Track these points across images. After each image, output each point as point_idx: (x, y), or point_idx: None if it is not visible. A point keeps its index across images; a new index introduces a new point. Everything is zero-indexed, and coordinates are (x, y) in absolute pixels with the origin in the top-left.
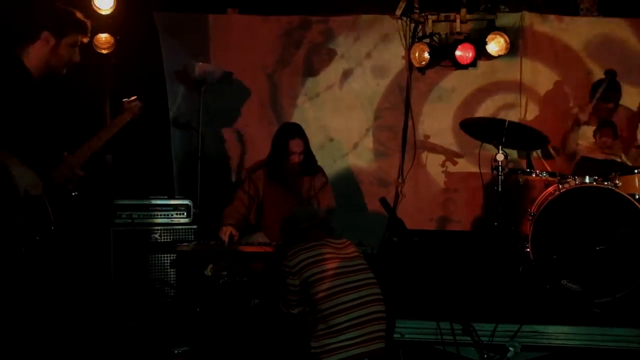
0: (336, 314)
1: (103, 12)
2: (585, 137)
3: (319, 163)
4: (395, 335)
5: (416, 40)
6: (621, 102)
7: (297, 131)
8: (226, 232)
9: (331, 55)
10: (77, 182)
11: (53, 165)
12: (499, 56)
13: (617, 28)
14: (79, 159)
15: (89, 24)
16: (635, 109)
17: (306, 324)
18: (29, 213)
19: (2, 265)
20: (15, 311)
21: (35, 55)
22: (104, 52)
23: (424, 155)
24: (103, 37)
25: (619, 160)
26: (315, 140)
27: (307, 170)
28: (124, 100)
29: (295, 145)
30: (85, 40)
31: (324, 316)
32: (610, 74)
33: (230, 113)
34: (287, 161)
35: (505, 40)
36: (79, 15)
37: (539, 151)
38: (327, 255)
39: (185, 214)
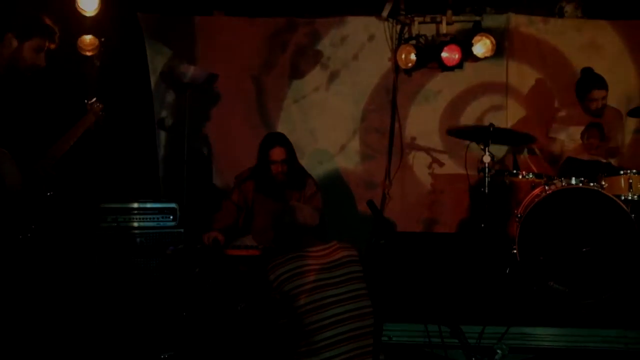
0: (318, 330)
1: (87, 14)
2: (572, 138)
3: (306, 166)
4: (383, 338)
5: (402, 42)
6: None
7: (277, 140)
8: (210, 237)
9: (317, 57)
10: (50, 183)
11: (29, 164)
12: (485, 58)
13: (602, 30)
14: (48, 161)
15: (56, 29)
16: (621, 109)
17: (289, 339)
18: (11, 211)
19: None
20: None
21: None
22: (88, 54)
23: (411, 157)
24: (87, 39)
25: (604, 161)
26: (302, 143)
27: (293, 181)
28: (85, 101)
29: (276, 154)
30: (52, 46)
31: (307, 332)
32: (587, 71)
33: (216, 116)
34: (270, 171)
35: (492, 42)
36: (47, 20)
37: (525, 152)
38: (308, 267)
39: (171, 217)
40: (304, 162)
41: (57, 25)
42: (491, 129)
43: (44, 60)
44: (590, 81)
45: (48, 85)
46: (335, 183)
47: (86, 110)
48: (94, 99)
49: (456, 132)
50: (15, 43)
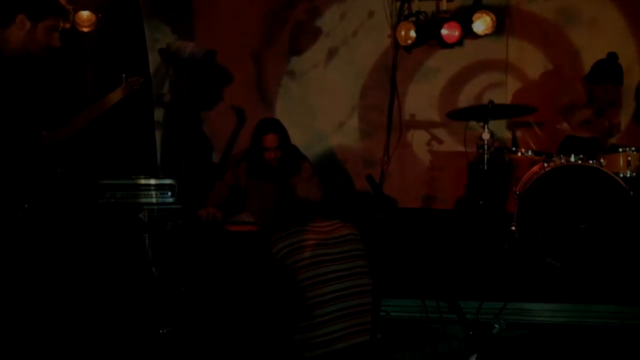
0: (318, 305)
1: None
2: (572, 115)
3: (305, 142)
4: (380, 314)
5: (402, 19)
6: None
7: (271, 127)
8: (209, 213)
9: (317, 33)
10: (56, 153)
11: (31, 144)
12: (485, 35)
13: (603, 7)
14: (66, 130)
15: (71, 9)
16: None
17: (290, 314)
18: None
19: None
20: None
21: (9, 38)
22: (86, 30)
23: (410, 134)
24: (85, 14)
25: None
26: (300, 120)
27: (288, 166)
28: (122, 75)
29: (269, 141)
30: (67, 25)
31: (307, 307)
32: (612, 57)
33: (215, 92)
34: (263, 157)
35: (492, 19)
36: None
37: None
38: (309, 242)
39: (169, 193)
40: (302, 139)
41: (71, 4)
42: (490, 106)
43: (59, 41)
44: (609, 73)
45: (46, 63)
46: (333, 160)
47: (120, 83)
48: (137, 76)
49: (456, 114)
50: (28, 24)
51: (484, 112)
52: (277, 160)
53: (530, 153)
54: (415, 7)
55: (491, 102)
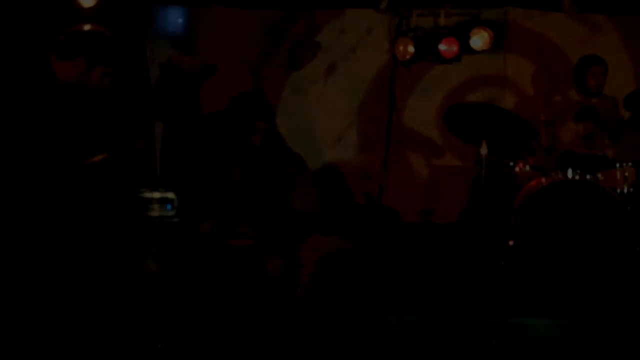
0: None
1: (85, 6)
2: (568, 130)
3: (303, 156)
4: (379, 328)
5: (400, 34)
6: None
7: (263, 116)
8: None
9: (316, 49)
10: None
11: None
12: (483, 51)
13: (600, 25)
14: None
15: (130, 57)
16: (618, 100)
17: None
18: None
19: None
20: None
21: (65, 72)
22: None
23: (408, 149)
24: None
25: (601, 154)
26: (299, 134)
27: (277, 154)
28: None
29: (261, 125)
30: (121, 72)
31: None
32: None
33: (215, 106)
34: (251, 139)
35: (489, 35)
36: (124, 49)
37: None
38: (304, 260)
39: (169, 207)
40: (301, 153)
41: (130, 54)
42: (489, 121)
43: (109, 84)
44: (589, 59)
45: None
46: (332, 174)
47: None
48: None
49: (454, 129)
50: (84, 67)
51: (483, 124)
52: (263, 144)
53: (527, 168)
54: (413, 22)
55: (489, 116)
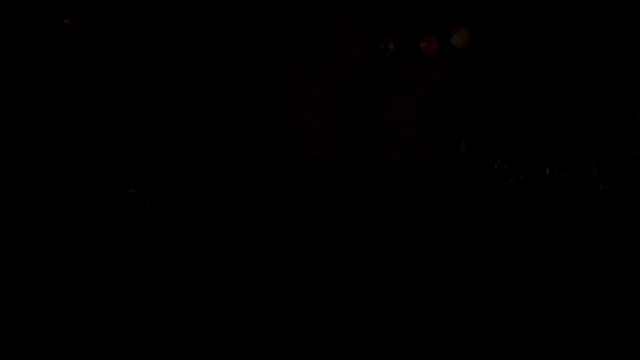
0: None
1: None
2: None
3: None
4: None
5: (381, 31)
6: None
7: None
8: None
9: (298, 45)
10: None
11: None
12: (463, 48)
13: None
14: None
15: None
16: None
17: None
18: None
19: None
20: None
21: None
22: (66, 21)
23: (388, 146)
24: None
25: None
26: (280, 131)
27: None
28: None
29: None
30: None
31: None
32: None
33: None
34: None
35: (469, 33)
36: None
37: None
38: None
39: None
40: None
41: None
42: (469, 118)
43: None
44: None
45: None
46: (313, 170)
47: None
48: None
49: (434, 126)
50: None
51: (461, 123)
52: None
53: (506, 165)
54: (394, 20)
55: (469, 114)
